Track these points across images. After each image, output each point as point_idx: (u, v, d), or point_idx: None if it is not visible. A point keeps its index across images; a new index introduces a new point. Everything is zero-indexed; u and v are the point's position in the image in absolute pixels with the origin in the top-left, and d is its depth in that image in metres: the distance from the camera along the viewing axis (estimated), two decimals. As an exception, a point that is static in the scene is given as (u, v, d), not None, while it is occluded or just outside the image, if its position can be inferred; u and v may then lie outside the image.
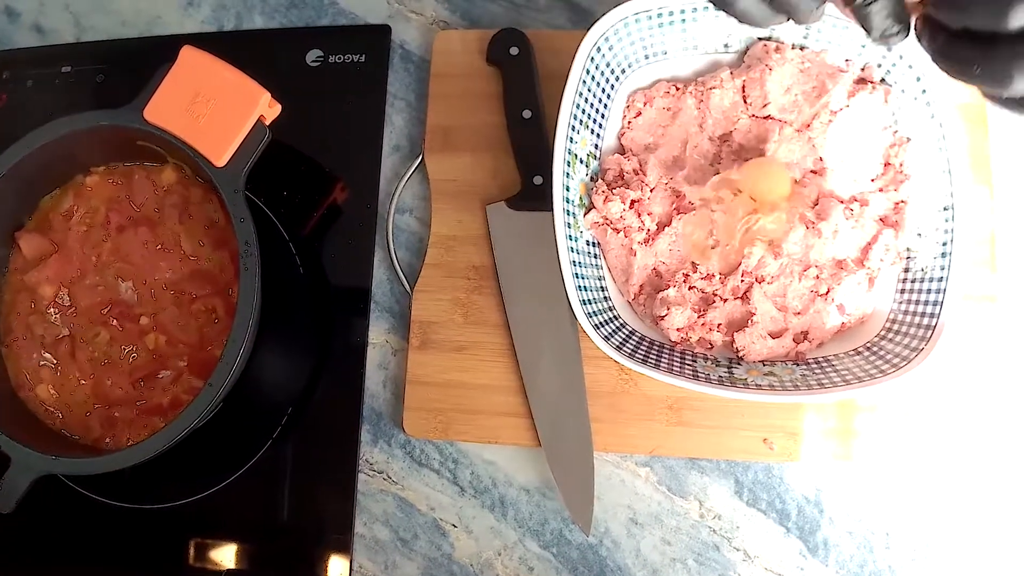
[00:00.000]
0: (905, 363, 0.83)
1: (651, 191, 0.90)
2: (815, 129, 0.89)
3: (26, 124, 0.88)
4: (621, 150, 0.94)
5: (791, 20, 0.66)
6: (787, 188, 0.88)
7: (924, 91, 0.87)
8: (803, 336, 0.89)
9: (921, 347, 0.83)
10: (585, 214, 0.90)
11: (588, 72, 0.89)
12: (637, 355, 0.86)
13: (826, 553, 0.90)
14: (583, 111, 0.89)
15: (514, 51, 0.97)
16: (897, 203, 0.89)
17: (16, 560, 0.96)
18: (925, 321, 0.85)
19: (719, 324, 0.89)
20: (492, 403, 0.93)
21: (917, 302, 0.87)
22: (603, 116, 0.92)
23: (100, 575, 0.95)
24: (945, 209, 0.87)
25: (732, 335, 0.88)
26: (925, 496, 0.91)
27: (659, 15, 0.90)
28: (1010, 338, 0.92)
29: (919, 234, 0.88)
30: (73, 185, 0.95)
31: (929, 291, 0.86)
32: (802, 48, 0.91)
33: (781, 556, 0.91)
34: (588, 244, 0.91)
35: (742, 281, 0.88)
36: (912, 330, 0.85)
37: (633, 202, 0.89)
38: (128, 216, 0.94)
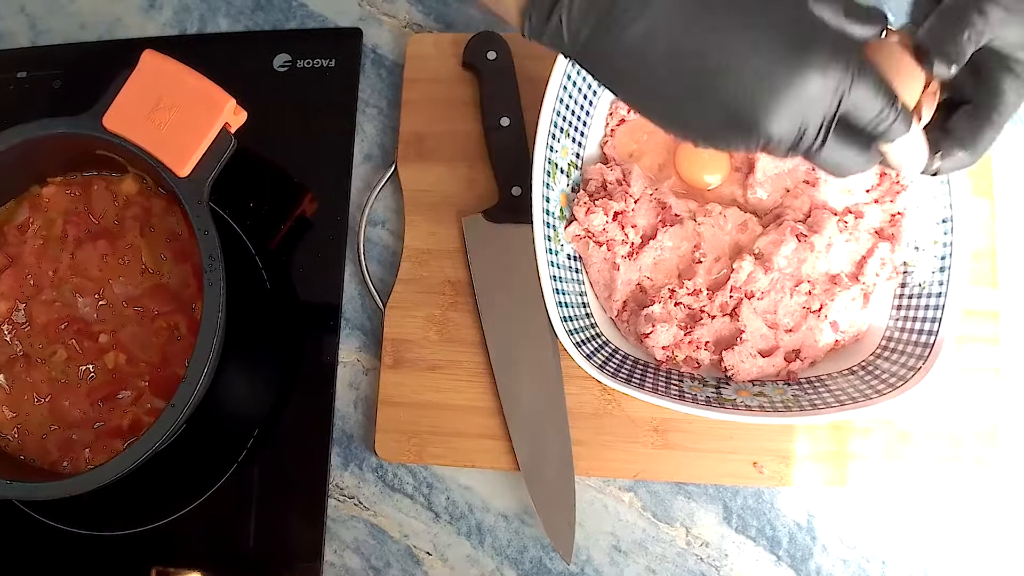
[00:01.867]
0: (902, 383, 0.83)
1: (635, 202, 0.91)
2: (807, 137, 0.90)
3: (-21, 133, 0.88)
4: (604, 159, 0.95)
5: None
6: (723, 169, 0.91)
7: (922, 97, 0.87)
8: (795, 354, 0.89)
9: (919, 366, 0.83)
10: (566, 227, 0.90)
11: (569, 77, 0.89)
12: (620, 374, 0.86)
13: (819, 583, 0.91)
14: (564, 118, 0.90)
15: (491, 55, 0.97)
16: (893, 215, 0.90)
17: (-32, 590, 0.96)
18: (923, 339, 0.85)
19: (707, 342, 0.89)
20: (468, 425, 0.93)
21: (914, 319, 0.87)
22: (585, 124, 0.93)
23: (57, 605, 0.95)
24: (944, 221, 0.87)
25: (720, 353, 0.89)
26: (922, 523, 0.91)
27: (643, 18, 0.90)
28: (1013, 357, 0.92)
29: (916, 247, 0.89)
30: (28, 196, 0.95)
31: (927, 307, 0.86)
32: (794, 53, 0.91)
33: (772, 586, 0.91)
34: (569, 258, 0.91)
35: (731, 297, 0.89)
36: (909, 348, 0.86)
37: (616, 214, 0.90)
38: (86, 229, 0.94)
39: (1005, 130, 0.95)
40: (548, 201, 0.88)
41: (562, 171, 0.90)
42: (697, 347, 0.89)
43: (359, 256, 0.98)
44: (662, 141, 0.93)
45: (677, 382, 0.88)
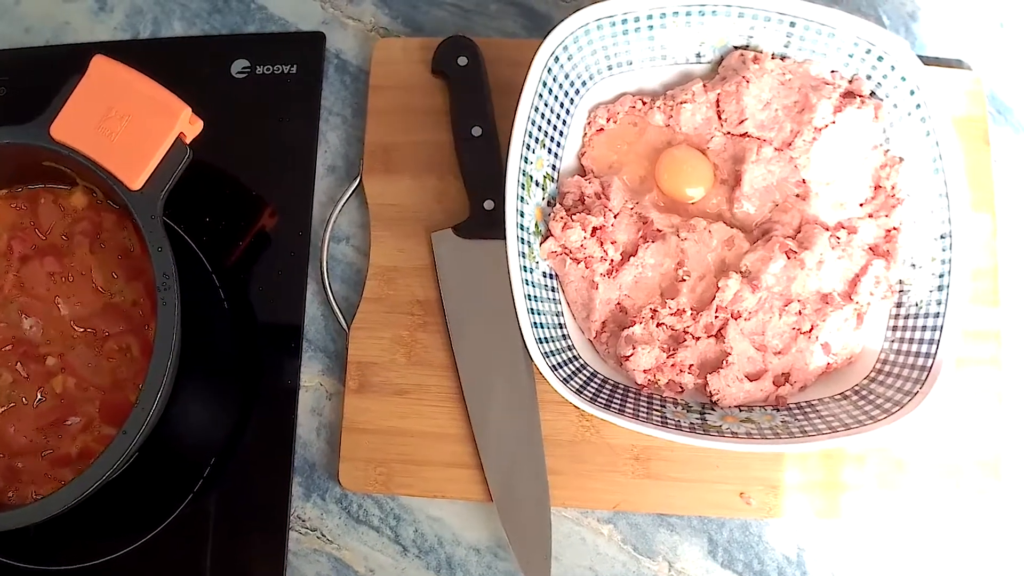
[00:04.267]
0: (898, 408, 0.83)
1: (615, 217, 0.91)
2: (797, 148, 0.90)
3: (-81, 142, 0.88)
4: (581, 171, 0.95)
5: None
6: (706, 182, 0.92)
7: (919, 106, 0.88)
8: (784, 378, 0.90)
9: (915, 390, 0.84)
10: (541, 243, 0.91)
11: (544, 84, 0.90)
12: (599, 399, 0.87)
13: (809, 621, 0.91)
14: (539, 128, 0.90)
15: (462, 61, 0.98)
16: (889, 230, 0.90)
17: (-93, 629, 0.95)
18: (920, 361, 0.85)
19: (690, 365, 0.89)
20: (438, 453, 0.93)
21: (911, 340, 0.87)
22: (561, 133, 0.93)
23: (2, 645, 0.95)
24: (942, 237, 0.87)
25: (705, 377, 0.89)
26: (919, 557, 0.92)
27: (623, 21, 0.91)
28: (1015, 380, 0.93)
29: (913, 265, 0.89)
30: (-29, 210, 0.95)
31: (924, 328, 0.87)
32: (783, 58, 0.92)
33: (759, 624, 0.91)
34: (545, 276, 0.91)
35: (716, 317, 0.89)
36: (905, 371, 0.86)
37: (595, 229, 0.90)
38: (33, 245, 0.94)
39: (1008, 139, 0.97)
40: (522, 216, 0.89)
41: (537, 184, 0.91)
42: (680, 370, 0.89)
43: (322, 274, 0.98)
44: (643, 152, 0.93)
45: (659, 408, 0.88)
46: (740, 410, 0.88)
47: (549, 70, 0.89)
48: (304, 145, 1.02)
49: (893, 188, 0.90)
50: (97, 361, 0.91)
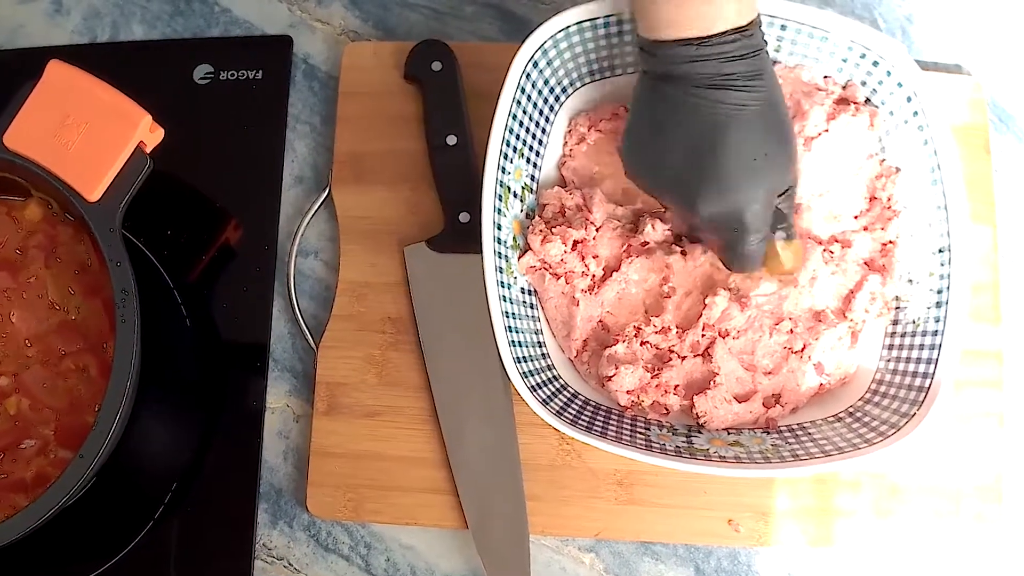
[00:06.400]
0: (894, 431, 0.83)
1: (597, 230, 0.91)
2: (789, 158, 0.89)
3: None
4: (562, 182, 0.95)
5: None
6: None
7: (916, 113, 0.88)
8: (774, 400, 0.90)
9: (912, 412, 0.83)
10: (519, 257, 0.90)
11: (523, 91, 0.89)
12: (580, 422, 0.86)
13: (801, 655, 0.91)
14: (517, 137, 0.90)
15: (436, 66, 0.98)
16: (885, 244, 0.90)
17: None
18: (917, 382, 0.85)
19: (676, 386, 0.89)
20: (411, 478, 0.93)
21: (908, 360, 0.87)
22: (541, 143, 0.93)
23: None
24: (941, 251, 0.87)
25: (691, 398, 0.89)
26: (916, 588, 0.91)
27: (606, 25, 0.90)
28: (1017, 402, 0.93)
29: (910, 280, 0.89)
30: (-80, 223, 0.94)
31: (922, 347, 0.87)
32: (774, 63, 0.91)
33: (748, 658, 0.91)
34: (523, 292, 0.91)
35: (703, 336, 0.89)
36: (902, 392, 0.86)
37: (576, 243, 0.90)
38: (-15, 259, 0.93)
39: (1010, 149, 0.96)
40: (500, 228, 0.88)
41: (515, 195, 0.90)
42: (665, 391, 0.89)
43: (289, 290, 0.98)
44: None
45: (643, 430, 0.88)
46: (728, 433, 0.88)
47: (528, 76, 0.89)
48: (270, 154, 1.02)
49: (889, 200, 0.90)
50: (53, 381, 0.91)
